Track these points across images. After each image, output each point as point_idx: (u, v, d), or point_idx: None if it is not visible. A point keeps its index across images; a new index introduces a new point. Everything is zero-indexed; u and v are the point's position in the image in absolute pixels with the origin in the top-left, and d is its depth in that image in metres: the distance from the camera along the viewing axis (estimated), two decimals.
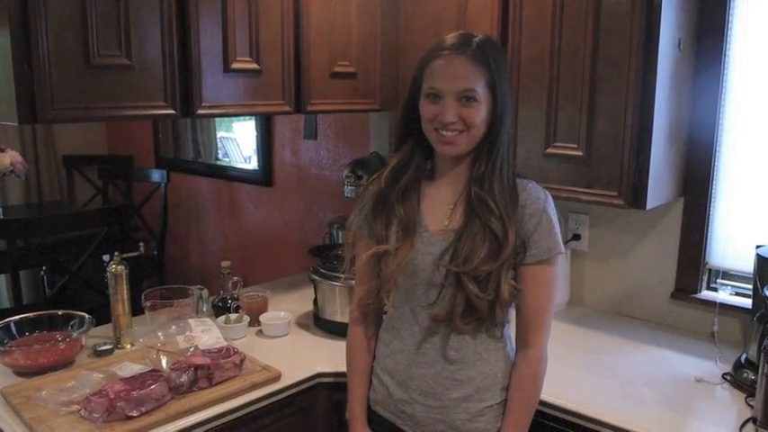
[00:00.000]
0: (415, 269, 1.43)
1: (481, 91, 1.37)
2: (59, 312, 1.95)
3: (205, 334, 1.83)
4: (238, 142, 3.70)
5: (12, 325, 1.88)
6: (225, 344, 1.80)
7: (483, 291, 1.37)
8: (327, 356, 1.90)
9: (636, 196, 1.79)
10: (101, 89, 1.66)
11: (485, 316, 1.39)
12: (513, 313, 1.48)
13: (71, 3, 1.58)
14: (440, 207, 1.47)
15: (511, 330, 1.51)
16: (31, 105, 1.55)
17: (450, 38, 1.40)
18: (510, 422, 1.45)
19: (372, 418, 1.58)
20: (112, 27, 1.66)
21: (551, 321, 1.47)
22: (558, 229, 1.43)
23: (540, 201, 1.42)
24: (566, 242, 2.28)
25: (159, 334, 1.83)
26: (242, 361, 1.75)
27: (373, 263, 1.51)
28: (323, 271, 2.09)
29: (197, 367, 1.65)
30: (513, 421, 1.45)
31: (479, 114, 1.38)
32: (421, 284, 1.44)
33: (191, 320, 1.90)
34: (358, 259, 1.56)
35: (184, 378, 1.63)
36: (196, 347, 1.77)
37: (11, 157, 3.43)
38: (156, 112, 1.79)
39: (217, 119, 3.68)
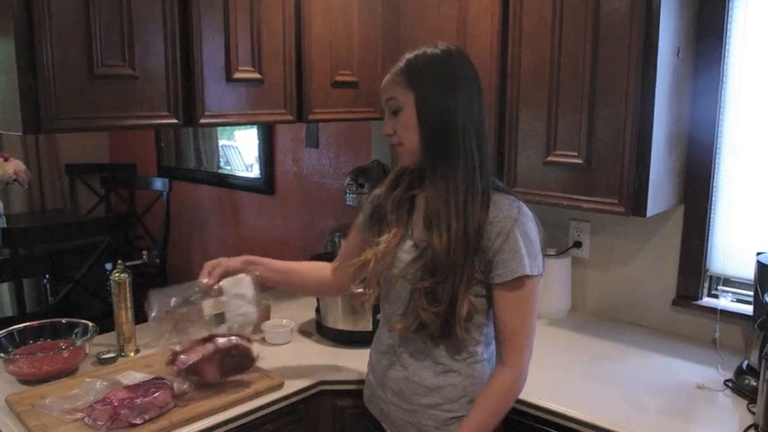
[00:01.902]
0: (392, 275, 1.48)
1: (402, 98, 1.43)
2: (63, 320, 1.96)
3: (237, 299, 1.60)
4: (240, 151, 3.72)
5: (16, 333, 1.89)
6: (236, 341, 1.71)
7: (431, 304, 1.38)
8: (330, 364, 1.91)
9: (636, 204, 1.79)
10: (104, 99, 1.67)
11: (438, 332, 1.40)
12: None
13: (75, 14, 1.60)
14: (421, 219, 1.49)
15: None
16: (35, 115, 1.56)
17: None
18: (467, 428, 1.44)
19: (366, 416, 1.64)
20: (116, 37, 1.67)
21: (530, 342, 1.44)
22: (525, 251, 1.39)
23: (508, 219, 1.39)
24: (566, 249, 2.29)
25: (175, 299, 1.58)
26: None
27: (356, 248, 1.62)
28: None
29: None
30: (471, 428, 1.44)
31: (406, 122, 1.43)
32: (394, 292, 1.49)
33: (223, 282, 1.60)
34: (347, 238, 1.71)
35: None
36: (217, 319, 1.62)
37: (14, 166, 3.46)
38: (159, 121, 1.81)
39: (219, 127, 3.69)
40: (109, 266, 1.98)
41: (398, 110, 1.44)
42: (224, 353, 1.67)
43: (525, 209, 1.44)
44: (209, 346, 1.65)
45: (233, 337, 1.68)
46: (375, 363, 1.60)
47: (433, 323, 1.39)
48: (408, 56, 1.46)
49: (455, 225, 1.38)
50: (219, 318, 1.64)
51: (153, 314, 1.58)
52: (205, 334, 1.67)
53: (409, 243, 1.49)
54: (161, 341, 1.65)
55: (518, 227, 1.39)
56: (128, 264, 1.97)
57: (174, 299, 1.58)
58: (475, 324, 1.44)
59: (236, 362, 1.70)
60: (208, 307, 1.57)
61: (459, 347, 1.45)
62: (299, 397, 1.78)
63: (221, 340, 1.66)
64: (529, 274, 1.39)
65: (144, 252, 2.22)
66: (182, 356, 1.63)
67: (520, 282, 1.39)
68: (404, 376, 1.50)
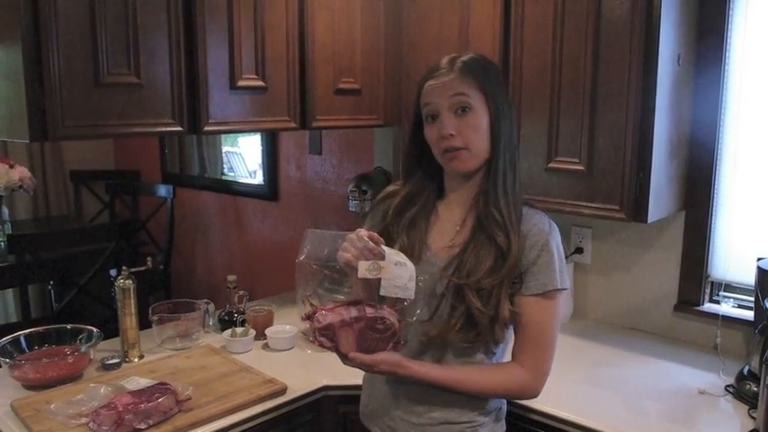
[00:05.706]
0: (417, 289, 1.42)
1: (474, 97, 1.38)
2: (68, 326, 1.97)
3: (398, 269, 1.35)
4: (244, 157, 3.73)
5: (21, 339, 1.90)
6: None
7: (485, 305, 1.37)
8: (333, 369, 1.91)
9: (637, 210, 1.80)
10: (110, 107, 1.69)
11: (486, 331, 1.38)
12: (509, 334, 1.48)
13: (81, 23, 1.62)
14: (448, 227, 1.49)
15: (506, 356, 1.51)
16: (41, 123, 1.58)
17: (439, 62, 1.44)
18: (451, 372, 1.41)
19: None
20: (121, 46, 1.69)
21: (549, 355, 1.44)
22: (558, 265, 1.41)
23: (542, 233, 1.41)
24: (568, 256, 2.30)
25: (328, 250, 1.39)
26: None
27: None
28: (328, 285, 2.11)
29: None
30: (443, 370, 1.40)
31: (477, 124, 1.39)
32: (419, 301, 1.43)
33: (385, 247, 1.36)
34: None
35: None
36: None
37: (20, 173, 3.48)
38: (163, 129, 1.82)
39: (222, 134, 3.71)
40: (113, 273, 1.99)
41: (467, 108, 1.38)
42: (367, 323, 1.36)
43: (554, 224, 1.45)
44: (353, 311, 1.37)
45: (385, 309, 1.37)
46: (377, 377, 1.54)
47: (483, 321, 1.36)
48: (462, 57, 1.42)
49: (502, 235, 1.38)
50: (373, 284, 1.37)
51: (302, 257, 1.41)
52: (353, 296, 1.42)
53: (429, 254, 1.46)
54: (301, 291, 1.47)
55: (552, 239, 1.41)
56: (132, 270, 1.98)
57: (327, 249, 1.39)
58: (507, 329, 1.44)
59: (377, 340, 1.38)
60: (363, 267, 1.34)
61: (475, 358, 1.44)
62: (303, 402, 1.79)
63: (369, 309, 1.37)
64: (559, 288, 1.40)
65: (148, 258, 2.23)
66: (322, 312, 1.38)
67: (549, 295, 1.40)
68: (417, 390, 1.45)
